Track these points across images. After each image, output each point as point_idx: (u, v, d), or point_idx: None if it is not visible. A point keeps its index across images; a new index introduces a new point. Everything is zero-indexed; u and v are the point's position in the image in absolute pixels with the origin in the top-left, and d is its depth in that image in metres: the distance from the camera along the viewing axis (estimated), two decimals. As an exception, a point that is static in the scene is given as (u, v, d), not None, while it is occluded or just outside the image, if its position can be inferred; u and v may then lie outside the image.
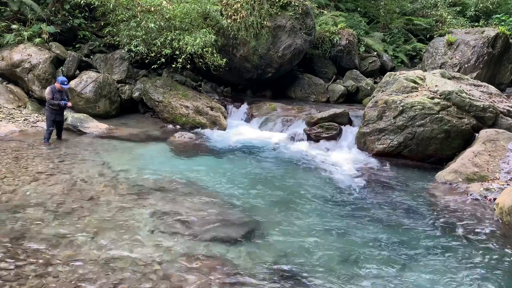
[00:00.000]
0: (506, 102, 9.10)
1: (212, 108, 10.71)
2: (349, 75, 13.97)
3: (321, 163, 7.97)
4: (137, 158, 7.47)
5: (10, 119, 9.23)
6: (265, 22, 11.57)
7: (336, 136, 9.30)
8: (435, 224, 5.39)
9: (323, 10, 16.15)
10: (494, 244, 4.85)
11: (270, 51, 11.91)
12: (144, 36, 10.32)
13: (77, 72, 10.76)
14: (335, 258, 4.34)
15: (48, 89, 8.08)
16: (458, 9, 20.77)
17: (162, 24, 10.28)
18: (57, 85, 8.06)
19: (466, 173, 6.92)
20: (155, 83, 10.96)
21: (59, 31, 10.94)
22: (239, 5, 11.27)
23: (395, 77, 9.31)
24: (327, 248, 4.54)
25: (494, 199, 6.00)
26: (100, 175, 6.35)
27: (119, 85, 11.11)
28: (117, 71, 11.29)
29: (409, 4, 20.33)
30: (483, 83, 9.83)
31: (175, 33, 10.19)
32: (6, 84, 10.51)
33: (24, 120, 9.41)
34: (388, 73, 9.98)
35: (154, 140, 8.94)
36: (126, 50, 11.11)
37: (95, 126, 9.31)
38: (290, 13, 11.99)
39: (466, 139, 8.10)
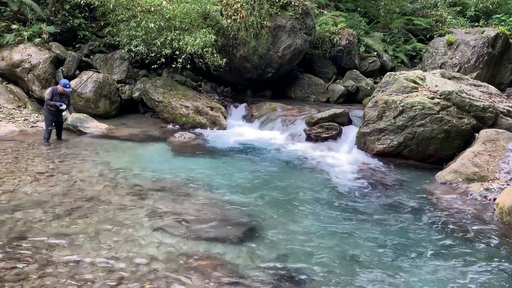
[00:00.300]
0: (506, 102, 9.10)
1: (212, 108, 10.71)
2: (349, 75, 13.96)
3: (321, 163, 7.96)
4: (137, 158, 7.48)
5: (10, 119, 9.24)
6: (265, 22, 11.57)
7: (336, 136, 9.30)
8: (435, 224, 5.38)
9: (323, 10, 16.15)
10: (494, 244, 4.85)
11: (270, 51, 11.91)
12: (144, 36, 10.33)
13: (77, 72, 10.77)
14: (334, 258, 4.33)
15: (49, 90, 8.08)
16: (458, 9, 20.77)
17: (162, 24, 10.28)
18: (59, 87, 8.04)
19: (466, 173, 6.91)
20: (155, 83, 10.96)
21: (59, 31, 10.95)
22: (239, 5, 11.28)
23: (395, 77, 9.31)
24: (327, 248, 4.54)
25: (494, 199, 6.00)
26: (100, 175, 6.35)
27: (119, 85, 11.12)
28: (117, 71, 11.29)
29: (409, 4, 20.32)
30: (483, 83, 9.83)
31: (175, 33, 10.20)
32: (6, 84, 10.52)
33: (24, 120, 9.42)
34: (388, 73, 9.97)
35: (154, 140, 8.94)
36: (126, 50, 11.12)
37: (95, 126, 9.31)
38: (290, 13, 11.99)
39: (466, 139, 8.10)
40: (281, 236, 4.75)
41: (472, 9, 20.66)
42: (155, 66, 10.81)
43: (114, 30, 11.23)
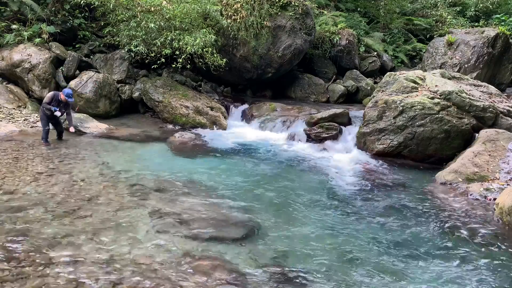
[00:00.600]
0: (506, 102, 9.10)
1: (212, 108, 10.71)
2: (349, 75, 13.96)
3: (321, 163, 7.96)
4: (137, 158, 7.48)
5: (10, 119, 9.23)
6: (265, 22, 11.57)
7: (336, 136, 9.29)
8: (435, 224, 5.38)
9: (323, 10, 16.14)
10: (494, 244, 4.85)
11: (270, 51, 11.91)
12: (144, 36, 10.32)
13: (77, 72, 10.77)
14: (334, 258, 4.34)
15: (50, 94, 7.98)
16: (458, 9, 20.76)
17: (162, 24, 10.27)
18: (61, 95, 7.93)
19: (466, 173, 6.92)
20: (155, 83, 10.96)
21: (59, 31, 10.94)
22: (239, 5, 11.27)
23: (395, 77, 9.31)
24: (327, 248, 4.54)
25: (494, 199, 6.00)
26: (100, 175, 6.35)
27: (119, 85, 11.11)
28: (117, 71, 11.29)
29: (409, 4, 20.32)
30: (483, 83, 9.83)
31: (175, 33, 10.19)
32: (6, 84, 10.51)
33: (24, 120, 9.42)
34: (388, 73, 9.97)
35: (154, 140, 8.94)
36: (126, 50, 11.11)
37: (95, 126, 9.31)
38: (290, 13, 11.99)
39: (466, 139, 8.10)
40: (280, 236, 4.75)
41: (472, 9, 20.66)
42: (155, 66, 10.80)
43: (114, 30, 11.22)
